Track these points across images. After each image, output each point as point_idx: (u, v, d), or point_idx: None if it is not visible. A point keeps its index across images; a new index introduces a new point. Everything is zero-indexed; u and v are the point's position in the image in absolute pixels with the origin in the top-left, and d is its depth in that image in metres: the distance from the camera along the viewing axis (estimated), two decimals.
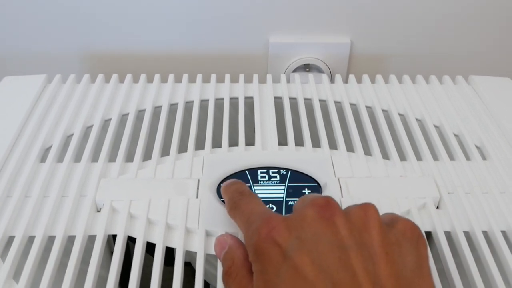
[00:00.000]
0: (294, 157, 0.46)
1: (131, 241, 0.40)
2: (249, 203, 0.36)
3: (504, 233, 0.41)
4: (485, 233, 0.41)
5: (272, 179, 0.44)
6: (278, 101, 0.55)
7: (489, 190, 0.44)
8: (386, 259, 0.29)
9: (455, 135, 0.51)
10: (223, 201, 0.41)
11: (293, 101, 0.56)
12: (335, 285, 0.27)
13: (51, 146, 0.48)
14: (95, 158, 0.47)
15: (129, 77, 0.58)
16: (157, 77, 0.58)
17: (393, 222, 0.32)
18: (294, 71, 0.78)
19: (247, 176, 0.44)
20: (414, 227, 0.32)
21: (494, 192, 0.44)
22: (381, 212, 0.32)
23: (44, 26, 0.74)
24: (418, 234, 0.32)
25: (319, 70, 0.77)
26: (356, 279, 0.27)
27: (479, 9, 0.75)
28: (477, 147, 0.50)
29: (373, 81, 0.60)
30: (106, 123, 0.52)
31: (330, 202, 0.31)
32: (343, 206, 0.40)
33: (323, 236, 0.29)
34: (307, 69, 0.78)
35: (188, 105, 0.54)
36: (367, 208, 0.31)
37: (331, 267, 0.28)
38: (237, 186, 0.39)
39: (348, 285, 0.27)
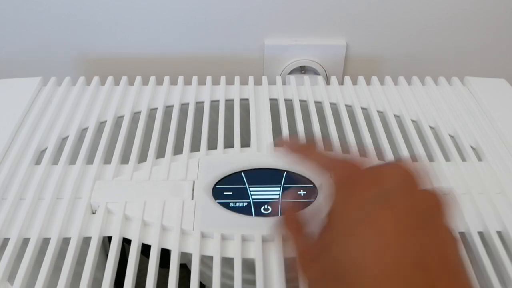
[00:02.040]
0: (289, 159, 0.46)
1: (126, 243, 0.40)
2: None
3: (499, 233, 0.41)
4: (480, 234, 0.41)
5: (267, 180, 0.44)
6: (273, 103, 0.55)
7: (484, 191, 0.44)
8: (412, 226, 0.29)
9: (450, 136, 0.51)
10: (218, 203, 0.42)
11: (289, 103, 0.55)
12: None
13: (46, 149, 0.48)
14: (90, 160, 0.47)
15: (124, 79, 0.58)
16: (152, 79, 0.58)
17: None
18: (290, 73, 0.78)
19: (242, 178, 0.44)
20: (436, 197, 0.31)
21: (490, 192, 0.44)
22: None
23: (40, 29, 0.74)
24: (439, 204, 0.31)
25: (315, 72, 0.77)
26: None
27: (474, 12, 0.75)
28: (473, 148, 0.50)
29: (368, 82, 0.60)
30: (101, 125, 0.52)
31: (414, 172, 0.31)
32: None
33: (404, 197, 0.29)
34: (303, 71, 0.78)
35: (184, 107, 0.54)
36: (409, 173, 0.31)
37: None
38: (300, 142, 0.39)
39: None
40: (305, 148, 0.37)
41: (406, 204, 0.29)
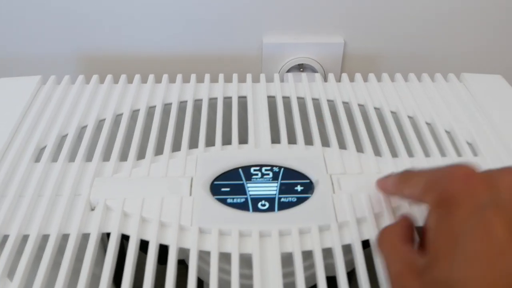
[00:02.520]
0: (286, 155, 0.47)
1: (125, 239, 0.40)
2: (420, 169, 0.36)
3: None
4: None
5: (265, 176, 0.44)
6: (271, 100, 0.56)
7: None
8: None
9: (446, 131, 0.52)
10: (216, 199, 0.42)
11: (286, 100, 0.56)
12: None
13: (45, 146, 0.48)
14: (89, 157, 0.47)
15: (123, 77, 0.58)
16: (151, 77, 0.58)
17: None
18: (288, 71, 0.78)
19: (240, 174, 0.45)
20: None
21: None
22: None
23: (39, 27, 0.74)
24: None
25: (313, 70, 0.78)
26: None
27: (470, 8, 0.75)
28: (468, 144, 0.50)
29: (365, 79, 0.60)
30: (100, 123, 0.52)
31: None
32: (336, 203, 0.41)
33: None
34: (301, 69, 0.78)
35: (182, 105, 0.55)
36: None
37: None
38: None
39: None
40: (395, 186, 0.38)
41: None
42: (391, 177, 0.39)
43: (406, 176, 0.37)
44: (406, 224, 0.36)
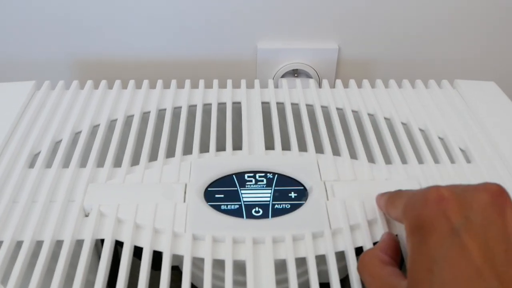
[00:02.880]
0: (280, 161, 0.47)
1: (119, 245, 0.40)
2: (407, 190, 0.36)
3: None
4: None
5: (258, 183, 0.45)
6: (265, 106, 0.56)
7: None
8: None
9: (440, 138, 0.52)
10: (210, 205, 0.42)
11: (280, 106, 0.56)
12: (499, 277, 0.26)
13: (39, 152, 0.48)
14: (83, 163, 0.47)
15: (117, 83, 0.58)
16: (145, 83, 0.59)
17: None
18: (283, 76, 0.78)
19: (234, 180, 0.45)
20: None
21: None
22: None
23: (33, 33, 0.74)
24: None
25: (307, 75, 0.78)
26: None
27: (464, 15, 0.76)
28: (462, 150, 0.51)
29: (359, 86, 0.60)
30: (94, 129, 0.52)
31: (503, 191, 0.30)
32: (330, 209, 0.41)
33: (493, 224, 0.28)
34: (295, 75, 0.78)
35: (176, 111, 0.55)
36: None
37: (498, 258, 0.27)
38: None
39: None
40: (384, 207, 0.39)
41: (494, 228, 0.28)
42: (385, 195, 0.39)
43: (393, 198, 0.37)
44: (389, 243, 0.36)
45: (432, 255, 0.28)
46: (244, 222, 0.41)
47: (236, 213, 0.42)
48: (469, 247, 0.27)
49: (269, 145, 0.50)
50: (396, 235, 0.38)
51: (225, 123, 0.52)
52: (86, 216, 0.42)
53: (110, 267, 0.39)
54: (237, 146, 0.50)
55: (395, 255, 0.36)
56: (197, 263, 0.42)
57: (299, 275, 0.38)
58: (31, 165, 0.47)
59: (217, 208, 0.42)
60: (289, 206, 0.42)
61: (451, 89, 0.60)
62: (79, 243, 0.40)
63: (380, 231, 0.40)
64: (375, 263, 0.34)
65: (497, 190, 0.30)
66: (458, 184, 0.34)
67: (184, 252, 0.39)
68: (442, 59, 0.80)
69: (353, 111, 0.55)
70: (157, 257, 0.39)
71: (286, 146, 0.50)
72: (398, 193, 0.37)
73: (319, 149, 0.49)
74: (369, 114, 0.55)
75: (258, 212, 0.42)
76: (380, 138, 0.52)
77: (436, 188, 0.31)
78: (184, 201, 0.42)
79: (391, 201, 0.37)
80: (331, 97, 0.57)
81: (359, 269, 0.35)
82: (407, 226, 0.32)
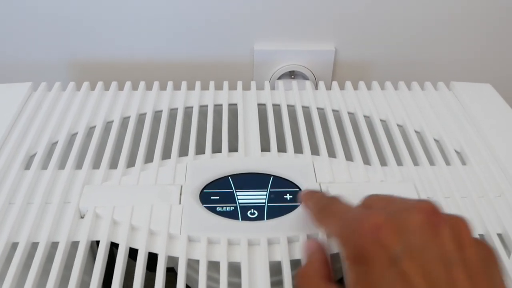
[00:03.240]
0: (276, 163, 0.47)
1: (115, 247, 0.40)
2: (341, 204, 0.35)
3: (482, 236, 0.42)
4: None
5: (254, 184, 0.45)
6: (261, 108, 0.56)
7: (467, 194, 0.45)
8: (485, 280, 0.28)
9: (435, 140, 0.52)
10: (205, 207, 0.42)
11: (277, 108, 0.56)
12: None
13: (35, 153, 0.48)
14: (79, 165, 0.47)
15: (114, 84, 0.58)
16: (142, 84, 0.59)
17: (476, 241, 0.31)
18: (280, 78, 0.78)
19: (229, 182, 0.45)
20: (492, 250, 0.31)
21: (473, 196, 0.45)
22: None
23: (30, 34, 0.74)
24: (497, 258, 0.30)
25: (304, 77, 0.78)
26: None
27: (460, 18, 0.76)
28: (457, 152, 0.51)
29: (356, 87, 0.60)
30: (90, 131, 0.52)
31: (436, 209, 0.30)
32: None
33: (430, 246, 0.28)
34: (292, 76, 0.78)
35: (173, 112, 0.55)
36: (464, 222, 0.30)
37: (439, 281, 0.27)
38: (322, 194, 0.39)
39: None
40: (314, 217, 0.38)
41: (432, 249, 0.28)
42: (313, 202, 0.39)
43: (325, 213, 0.36)
44: (321, 258, 0.36)
45: (376, 286, 0.28)
46: (239, 224, 0.41)
47: (232, 215, 0.42)
48: (410, 274, 0.27)
49: (265, 147, 0.50)
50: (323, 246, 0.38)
51: (221, 124, 0.52)
52: (82, 217, 0.42)
53: (106, 269, 0.39)
54: (233, 148, 0.50)
55: (331, 271, 0.35)
56: (192, 264, 0.43)
57: (294, 277, 0.38)
58: (27, 166, 0.47)
59: (213, 210, 0.42)
60: (284, 208, 0.42)
61: (447, 91, 0.60)
62: (74, 245, 0.40)
63: None
64: (318, 278, 0.34)
65: (429, 209, 0.30)
66: (392, 197, 0.34)
67: (179, 253, 0.39)
68: (438, 61, 0.80)
69: (349, 113, 0.55)
70: (152, 258, 0.39)
71: (282, 148, 0.50)
72: (329, 209, 0.36)
73: (315, 151, 0.49)
74: (365, 116, 0.55)
75: (254, 214, 0.42)
76: (376, 140, 0.52)
77: (370, 214, 0.31)
78: (180, 203, 0.42)
79: (322, 215, 0.36)
80: (327, 99, 0.57)
81: (299, 286, 0.35)
82: (346, 255, 0.31)
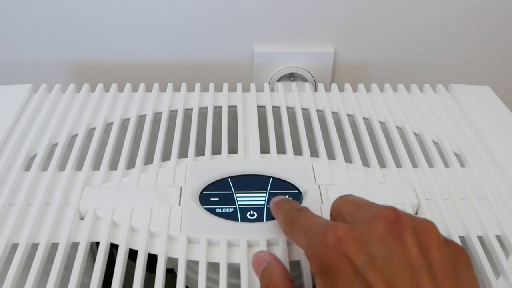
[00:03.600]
0: (275, 165, 0.47)
1: (115, 248, 0.40)
2: (308, 216, 0.35)
3: (481, 238, 0.42)
4: (462, 239, 0.42)
5: (253, 186, 0.45)
6: (261, 110, 0.56)
7: (466, 196, 0.45)
8: (452, 283, 0.28)
9: (434, 142, 0.52)
10: (205, 209, 0.42)
11: (276, 110, 0.56)
12: None
13: (36, 155, 0.48)
14: (79, 166, 0.47)
15: (114, 86, 0.59)
16: (142, 86, 0.59)
17: (445, 243, 0.31)
18: (279, 80, 0.79)
19: (229, 184, 0.45)
20: (464, 251, 0.31)
21: (472, 198, 0.45)
22: None
23: (30, 36, 0.75)
24: (468, 257, 0.31)
25: (304, 79, 0.78)
26: None
27: (459, 20, 0.76)
28: (456, 154, 0.51)
29: (355, 89, 0.60)
30: (91, 132, 0.52)
31: (399, 216, 0.30)
32: (324, 213, 0.41)
33: (394, 254, 0.28)
34: (291, 78, 0.79)
35: (172, 114, 0.55)
36: (431, 226, 0.30)
37: None
38: (292, 204, 0.39)
39: None
40: (282, 226, 0.38)
41: (396, 258, 0.28)
42: (281, 216, 0.38)
43: (292, 226, 0.36)
44: (281, 272, 0.36)
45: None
46: (238, 225, 0.41)
47: (231, 216, 0.42)
48: (375, 284, 0.27)
49: (265, 149, 0.50)
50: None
51: (220, 126, 0.52)
52: (82, 219, 0.42)
53: (105, 270, 0.39)
54: (233, 149, 0.50)
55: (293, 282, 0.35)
56: (192, 266, 0.43)
57: (293, 278, 0.38)
58: (27, 168, 0.47)
59: (212, 211, 0.42)
60: None
61: (446, 93, 0.60)
62: (74, 246, 0.40)
63: None
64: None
65: (392, 216, 0.30)
66: (359, 201, 0.34)
67: (179, 255, 0.39)
68: (437, 64, 0.81)
69: (348, 115, 0.56)
70: (152, 260, 0.39)
71: (281, 150, 0.50)
72: (297, 222, 0.35)
73: (314, 153, 0.50)
74: (364, 118, 0.55)
75: (253, 215, 0.42)
76: (375, 142, 0.52)
77: (334, 227, 0.31)
78: (179, 204, 0.43)
79: (290, 228, 0.36)
80: (326, 101, 0.57)
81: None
82: (313, 268, 0.31)
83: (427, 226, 0.30)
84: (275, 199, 0.41)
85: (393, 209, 0.31)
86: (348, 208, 0.34)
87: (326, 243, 0.30)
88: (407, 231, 0.29)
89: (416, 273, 0.27)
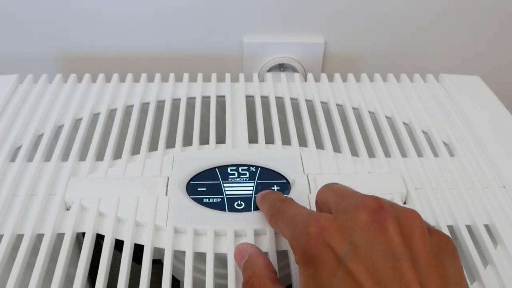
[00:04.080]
0: (263, 155, 0.47)
1: (101, 238, 0.40)
2: (292, 207, 0.35)
3: (469, 227, 0.42)
4: (450, 228, 0.42)
5: (241, 176, 0.44)
6: (250, 100, 0.56)
7: (455, 186, 0.45)
8: (435, 271, 0.28)
9: (424, 132, 0.52)
10: (192, 199, 0.42)
11: (265, 100, 0.56)
12: None
13: (21, 146, 0.48)
14: (65, 157, 0.47)
15: (101, 76, 0.58)
16: (129, 76, 0.58)
17: (430, 232, 0.31)
18: (269, 70, 0.78)
19: (216, 174, 0.45)
20: (449, 240, 0.31)
21: (460, 187, 0.45)
22: None
23: (16, 27, 0.74)
24: (453, 246, 0.31)
25: (294, 70, 0.78)
26: None
27: (450, 10, 0.76)
28: (445, 144, 0.51)
29: (344, 80, 0.60)
30: (77, 123, 0.52)
31: (382, 205, 0.30)
32: (312, 203, 0.41)
33: (376, 243, 0.28)
34: (281, 69, 0.78)
35: (160, 104, 0.55)
36: (414, 215, 0.30)
37: (386, 277, 0.27)
38: (277, 195, 0.39)
39: None
40: (268, 217, 0.38)
41: (378, 246, 0.28)
42: (266, 207, 0.39)
43: (276, 217, 0.36)
44: (265, 259, 0.36)
45: (326, 287, 0.28)
46: (226, 215, 0.41)
47: (218, 206, 0.41)
48: (357, 273, 0.27)
49: (253, 139, 0.50)
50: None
51: (209, 116, 0.52)
52: (68, 209, 0.42)
53: (91, 261, 0.38)
54: (221, 139, 0.49)
55: (276, 273, 0.35)
56: (179, 256, 0.42)
57: (281, 268, 0.38)
58: (13, 158, 0.47)
59: (199, 201, 0.42)
60: None
61: (436, 83, 0.60)
62: (60, 237, 0.40)
63: None
64: (267, 284, 0.34)
65: (375, 206, 0.30)
66: (343, 190, 0.34)
67: (166, 245, 0.38)
68: (428, 54, 0.80)
69: (337, 104, 0.55)
70: (138, 250, 0.39)
71: (270, 140, 0.49)
72: (281, 213, 0.36)
73: (302, 142, 0.49)
74: (353, 108, 0.55)
75: (241, 205, 0.42)
76: (364, 131, 0.52)
77: (317, 217, 0.31)
78: (166, 194, 0.42)
79: (274, 219, 0.36)
80: (315, 91, 0.57)
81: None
82: (296, 258, 0.31)
83: (410, 215, 0.30)
84: (261, 192, 0.41)
85: (376, 199, 0.31)
86: (332, 198, 0.34)
87: (309, 233, 0.30)
88: (390, 220, 0.29)
89: (398, 261, 0.27)
